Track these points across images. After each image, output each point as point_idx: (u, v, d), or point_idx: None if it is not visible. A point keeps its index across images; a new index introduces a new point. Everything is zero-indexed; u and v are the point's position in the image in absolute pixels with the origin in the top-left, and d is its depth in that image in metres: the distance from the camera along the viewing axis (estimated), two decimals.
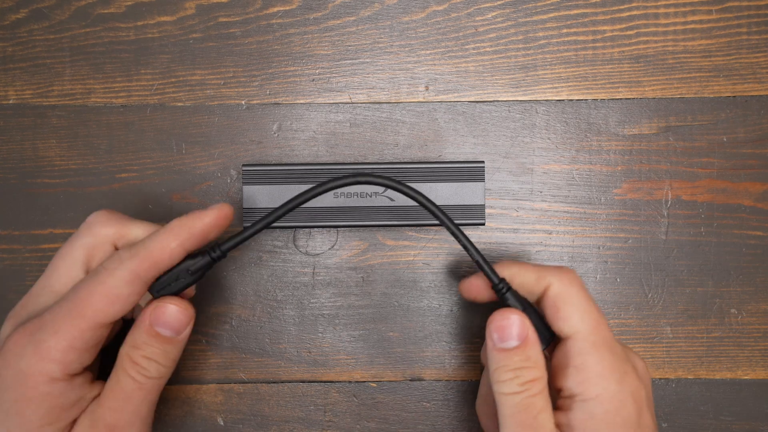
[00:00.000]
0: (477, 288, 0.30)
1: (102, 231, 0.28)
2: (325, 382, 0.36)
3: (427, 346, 0.36)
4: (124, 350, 0.27)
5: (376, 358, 0.36)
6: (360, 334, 0.36)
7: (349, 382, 0.36)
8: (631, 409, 0.26)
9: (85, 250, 0.28)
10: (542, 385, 0.26)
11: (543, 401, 0.26)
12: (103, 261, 0.27)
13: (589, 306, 0.28)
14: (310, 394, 0.36)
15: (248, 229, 0.29)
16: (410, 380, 0.36)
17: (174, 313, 0.27)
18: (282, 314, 0.36)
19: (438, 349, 0.36)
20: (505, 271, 0.29)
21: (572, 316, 0.27)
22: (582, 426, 0.26)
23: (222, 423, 0.36)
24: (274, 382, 0.36)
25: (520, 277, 0.29)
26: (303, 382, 0.36)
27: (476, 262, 0.28)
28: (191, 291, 0.31)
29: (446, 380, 0.36)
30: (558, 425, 0.27)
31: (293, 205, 0.29)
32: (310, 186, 0.34)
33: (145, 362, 0.27)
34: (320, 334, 0.36)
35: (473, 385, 0.36)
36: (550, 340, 0.29)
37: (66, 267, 0.28)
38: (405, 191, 0.28)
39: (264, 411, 0.36)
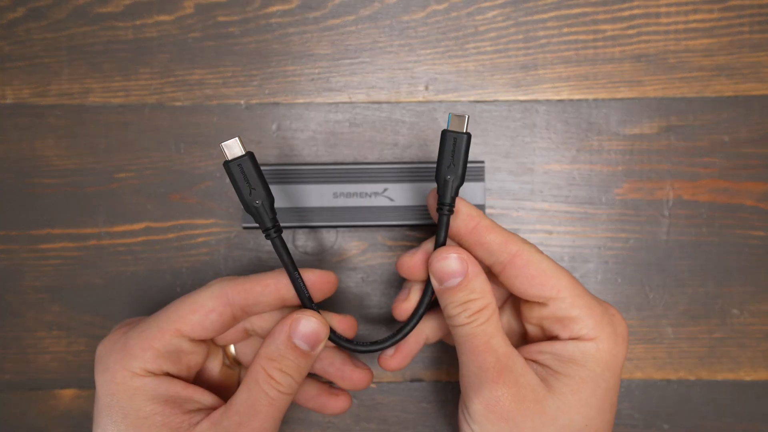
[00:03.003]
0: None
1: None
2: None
3: (426, 346, 0.36)
4: (259, 363, 0.27)
5: (376, 358, 0.36)
6: (360, 334, 0.36)
7: None
8: (622, 347, 0.28)
9: None
10: (490, 311, 0.27)
11: (493, 327, 0.27)
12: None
13: (559, 268, 0.28)
14: None
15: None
16: (410, 381, 0.36)
17: (314, 325, 0.27)
18: None
19: (438, 350, 0.36)
20: (477, 220, 0.28)
21: (550, 279, 0.27)
22: (572, 357, 0.27)
23: None
24: None
25: (487, 234, 0.28)
26: None
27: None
28: None
29: (446, 381, 0.36)
30: (539, 352, 0.28)
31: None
32: (310, 186, 0.34)
33: (279, 376, 0.27)
34: None
35: None
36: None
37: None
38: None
39: None
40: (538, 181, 0.36)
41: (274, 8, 0.36)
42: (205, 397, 0.28)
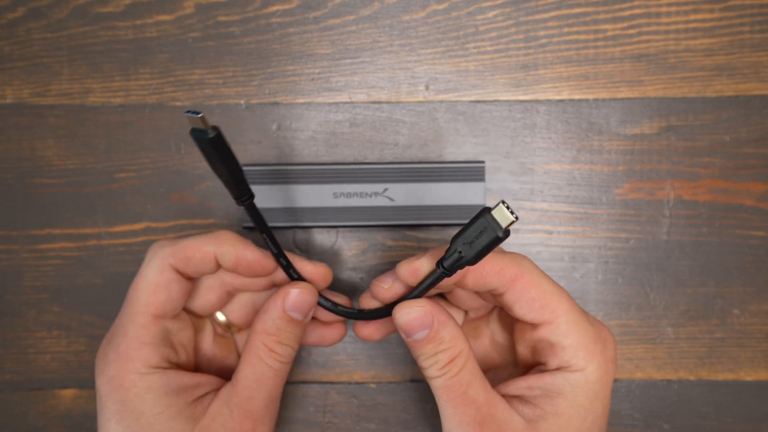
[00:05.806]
0: (416, 272, 0.27)
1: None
2: (324, 383, 0.36)
3: None
4: (258, 338, 0.28)
5: (376, 359, 0.36)
6: None
7: (349, 383, 0.36)
8: (612, 373, 0.27)
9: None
10: (464, 359, 0.26)
11: (468, 376, 0.26)
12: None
13: (558, 289, 0.27)
14: (309, 396, 0.36)
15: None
16: (410, 381, 0.36)
17: (304, 295, 0.29)
18: None
19: None
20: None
21: (550, 302, 0.26)
22: (561, 391, 0.26)
23: None
24: None
25: (482, 266, 0.26)
26: (303, 383, 0.36)
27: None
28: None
29: None
30: (528, 388, 0.27)
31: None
32: (310, 186, 0.34)
33: (280, 348, 0.28)
34: None
35: None
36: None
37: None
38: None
39: None
40: (538, 181, 0.36)
41: (274, 8, 0.36)
42: (209, 380, 0.29)
